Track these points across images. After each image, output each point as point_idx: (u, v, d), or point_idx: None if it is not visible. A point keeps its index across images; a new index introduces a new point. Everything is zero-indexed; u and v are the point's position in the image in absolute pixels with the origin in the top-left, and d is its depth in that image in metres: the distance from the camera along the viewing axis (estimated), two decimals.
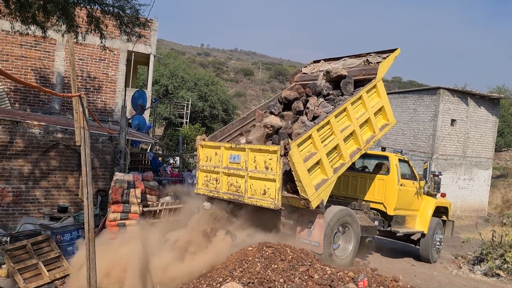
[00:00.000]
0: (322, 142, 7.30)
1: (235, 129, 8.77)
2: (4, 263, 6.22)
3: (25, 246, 6.52)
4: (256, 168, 6.93)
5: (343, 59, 9.48)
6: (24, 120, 9.46)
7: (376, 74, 8.33)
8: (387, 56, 8.62)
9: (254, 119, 8.95)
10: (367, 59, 8.86)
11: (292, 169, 6.82)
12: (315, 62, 10.16)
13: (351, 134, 7.97)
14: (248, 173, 7.02)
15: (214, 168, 7.64)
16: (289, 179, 7.06)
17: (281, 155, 6.54)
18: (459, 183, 19.32)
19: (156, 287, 5.76)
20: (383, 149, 10.68)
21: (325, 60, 9.94)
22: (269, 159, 6.74)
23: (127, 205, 8.12)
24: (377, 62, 8.61)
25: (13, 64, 12.57)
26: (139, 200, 8.24)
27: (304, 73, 9.87)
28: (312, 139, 7.13)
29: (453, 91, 18.67)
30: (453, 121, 18.66)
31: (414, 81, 73.85)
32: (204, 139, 8.02)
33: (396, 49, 8.71)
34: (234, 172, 7.28)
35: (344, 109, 7.76)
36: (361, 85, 8.41)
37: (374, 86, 8.37)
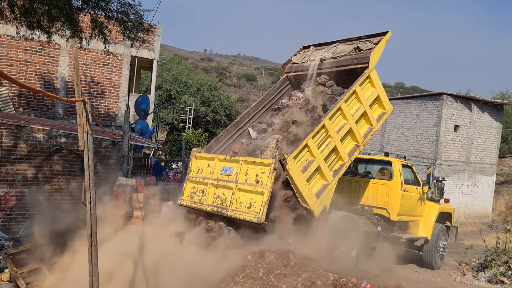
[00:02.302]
0: (318, 148, 7.12)
1: (230, 135, 8.54)
2: (7, 268, 6.22)
3: (28, 250, 6.52)
4: (246, 181, 6.72)
5: (333, 45, 9.08)
6: (28, 125, 9.50)
7: (368, 63, 7.95)
8: (379, 41, 8.21)
9: (249, 121, 8.83)
10: (357, 46, 8.45)
11: (290, 182, 6.67)
12: (304, 48, 9.73)
13: (348, 132, 7.73)
14: (237, 185, 6.78)
15: (203, 179, 7.40)
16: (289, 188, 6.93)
17: (274, 169, 6.38)
18: (463, 189, 19.24)
19: None
20: (386, 154, 10.65)
21: (315, 46, 9.51)
22: (261, 173, 6.53)
23: (129, 210, 8.11)
24: (368, 49, 8.22)
25: (17, 69, 12.65)
26: (141, 205, 8.23)
27: (295, 63, 9.47)
28: (308, 147, 6.94)
29: (457, 97, 18.65)
30: (456, 127, 18.62)
31: (417, 87, 73.75)
32: (199, 152, 7.86)
33: (387, 32, 8.29)
34: (223, 184, 7.04)
35: (338, 109, 7.49)
36: (353, 75, 8.04)
37: (368, 77, 8.02)
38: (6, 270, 6.21)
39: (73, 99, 4.68)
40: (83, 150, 4.74)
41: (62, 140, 9.70)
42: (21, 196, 9.29)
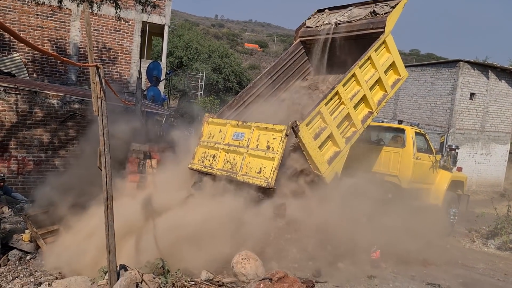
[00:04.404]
0: (331, 115, 7.09)
1: (242, 101, 8.49)
2: (27, 228, 6.45)
3: (47, 212, 6.72)
4: (257, 147, 6.75)
5: (349, 8, 8.84)
6: (43, 91, 9.59)
7: (384, 27, 7.75)
8: (396, 5, 7.93)
9: (261, 86, 8.78)
10: (373, 10, 8.21)
11: (302, 149, 6.70)
12: (319, 11, 9.49)
13: (362, 98, 7.65)
14: (248, 151, 6.82)
15: (215, 144, 7.44)
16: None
17: (286, 135, 6.38)
18: (476, 158, 19.09)
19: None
20: (400, 122, 10.56)
21: (329, 9, 9.28)
22: (273, 139, 6.55)
23: (143, 175, 8.25)
24: (384, 13, 7.98)
25: (29, 34, 12.62)
26: (155, 171, 8.36)
27: (308, 27, 9.26)
28: (321, 114, 6.91)
29: (474, 64, 18.20)
30: (472, 95, 18.26)
31: (433, 54, 72.09)
32: (211, 117, 7.87)
33: None
34: (233, 149, 7.08)
35: (352, 75, 7.39)
36: (368, 40, 7.89)
37: (383, 42, 7.84)
38: (27, 231, 6.43)
39: (87, 64, 4.70)
40: (98, 115, 4.80)
41: (76, 106, 9.80)
42: (38, 160, 9.50)
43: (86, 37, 4.80)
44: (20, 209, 8.12)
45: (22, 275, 5.64)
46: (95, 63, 4.67)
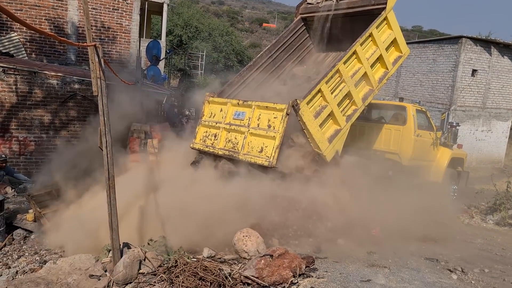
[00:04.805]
0: (332, 93, 7.07)
1: (243, 79, 8.47)
2: (31, 208, 6.53)
3: (50, 192, 6.80)
4: (258, 126, 6.76)
5: None
6: (42, 71, 9.54)
7: (386, 4, 7.68)
8: None
9: (262, 64, 8.70)
10: None
11: (303, 127, 6.71)
12: None
13: (363, 76, 7.63)
14: (249, 130, 6.84)
15: (216, 123, 7.45)
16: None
17: (287, 114, 6.38)
18: (477, 135, 19.07)
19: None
20: (401, 99, 10.53)
21: None
22: (274, 118, 6.55)
23: (145, 154, 8.30)
24: None
25: (27, 13, 12.47)
26: (156, 150, 8.41)
27: (309, 3, 9.19)
28: (322, 92, 6.90)
29: (476, 40, 17.97)
30: (474, 71, 18.11)
31: (436, 30, 71.15)
32: (212, 96, 7.87)
33: None
34: (235, 128, 7.10)
35: (353, 53, 7.35)
36: (370, 17, 7.80)
37: (385, 18, 7.78)
38: (30, 211, 6.52)
39: (85, 43, 4.67)
40: (97, 95, 4.80)
41: (76, 86, 9.77)
42: (39, 141, 9.54)
43: (84, 16, 4.76)
44: (23, 189, 8.20)
45: (27, 254, 5.75)
46: (93, 43, 4.64)
